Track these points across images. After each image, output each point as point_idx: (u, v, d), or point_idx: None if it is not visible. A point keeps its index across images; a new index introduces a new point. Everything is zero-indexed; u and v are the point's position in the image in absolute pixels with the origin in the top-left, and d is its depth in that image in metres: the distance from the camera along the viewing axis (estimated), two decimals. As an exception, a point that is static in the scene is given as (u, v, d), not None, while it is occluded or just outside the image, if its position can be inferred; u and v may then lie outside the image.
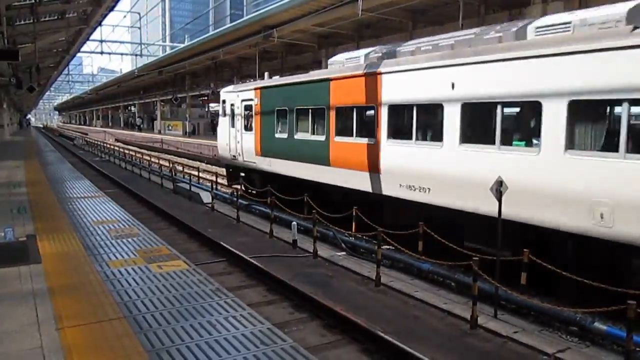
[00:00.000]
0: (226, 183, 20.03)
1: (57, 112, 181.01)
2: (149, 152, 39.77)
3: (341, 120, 12.36)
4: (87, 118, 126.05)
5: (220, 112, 18.97)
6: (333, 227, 11.33)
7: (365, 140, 11.36)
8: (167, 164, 31.03)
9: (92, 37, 27.99)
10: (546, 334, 6.82)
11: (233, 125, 17.74)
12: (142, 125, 69.57)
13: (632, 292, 5.99)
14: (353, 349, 6.58)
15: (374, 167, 11.05)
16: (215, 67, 39.33)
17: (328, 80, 12.60)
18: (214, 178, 20.12)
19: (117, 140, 61.43)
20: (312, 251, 10.64)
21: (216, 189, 18.88)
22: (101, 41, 41.48)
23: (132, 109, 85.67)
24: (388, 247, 9.61)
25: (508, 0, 16.62)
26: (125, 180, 22.88)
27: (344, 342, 6.76)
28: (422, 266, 9.05)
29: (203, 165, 32.17)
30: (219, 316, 5.07)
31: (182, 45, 40.86)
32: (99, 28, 26.37)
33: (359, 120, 11.80)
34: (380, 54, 11.74)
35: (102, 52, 43.10)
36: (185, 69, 41.62)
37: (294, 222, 11.65)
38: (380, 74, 10.81)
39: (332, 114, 12.39)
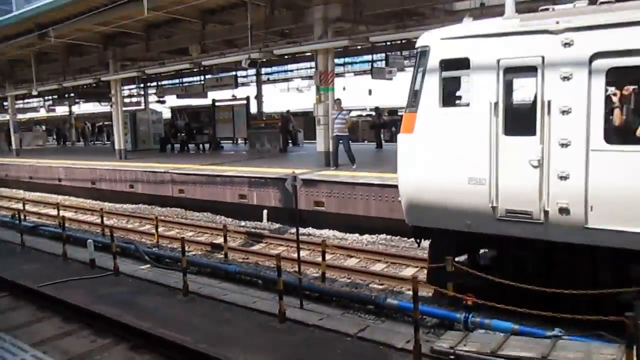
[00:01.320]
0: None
1: None
2: None
3: None
4: None
5: (437, 97, 7.36)
6: (133, 239, 10.72)
7: None
8: None
9: None
10: (348, 317, 7.35)
11: (531, 131, 6.64)
12: None
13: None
14: (164, 367, 6.32)
15: None
16: (-21, 71, 34.10)
17: None
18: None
19: None
20: (112, 269, 9.91)
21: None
22: None
23: None
24: (194, 253, 9.42)
25: (290, 3, 17.38)
26: None
27: (153, 362, 6.45)
28: (229, 268, 9.09)
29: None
30: (-6, 365, 4.41)
31: None
32: None
33: None
34: None
35: None
36: (-61, 73, 35.31)
37: (90, 240, 10.72)
38: None
39: None
